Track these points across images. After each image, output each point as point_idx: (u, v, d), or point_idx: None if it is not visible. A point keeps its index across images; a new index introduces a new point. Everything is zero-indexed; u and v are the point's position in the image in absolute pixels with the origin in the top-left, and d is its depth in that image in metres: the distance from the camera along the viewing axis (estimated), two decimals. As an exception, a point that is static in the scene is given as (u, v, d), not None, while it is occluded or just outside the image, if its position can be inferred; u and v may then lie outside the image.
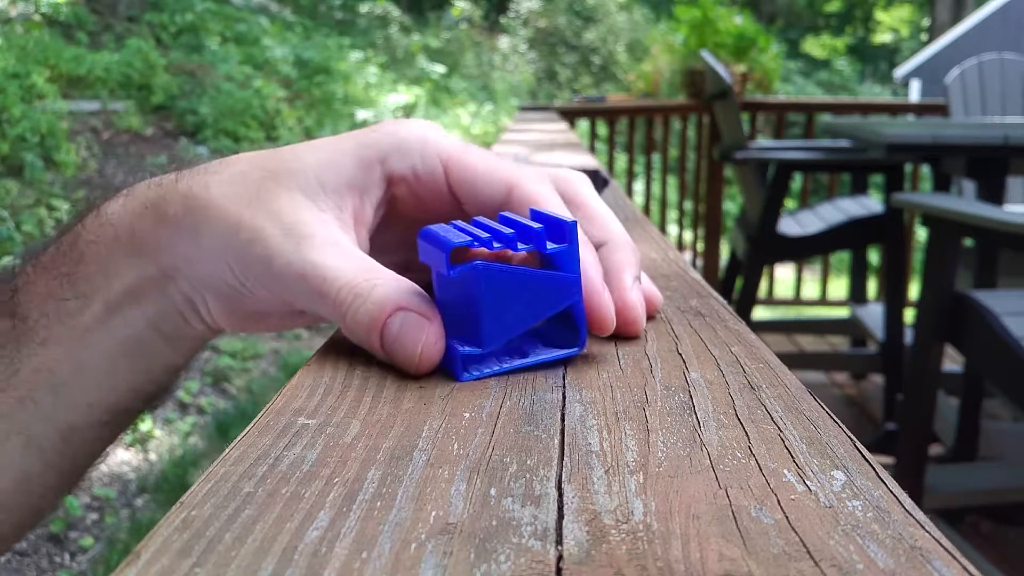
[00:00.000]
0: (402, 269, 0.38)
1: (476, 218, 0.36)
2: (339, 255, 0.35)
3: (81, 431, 0.42)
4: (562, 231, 0.34)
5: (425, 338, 0.32)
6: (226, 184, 0.37)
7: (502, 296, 0.33)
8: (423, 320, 0.33)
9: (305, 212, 0.36)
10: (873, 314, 2.83)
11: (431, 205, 0.39)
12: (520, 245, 0.33)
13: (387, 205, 0.40)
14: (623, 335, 0.37)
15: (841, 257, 5.10)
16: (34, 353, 0.40)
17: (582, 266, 0.34)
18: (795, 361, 3.03)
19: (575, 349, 0.34)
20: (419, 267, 0.40)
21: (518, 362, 0.34)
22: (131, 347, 0.41)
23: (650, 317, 0.41)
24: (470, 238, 0.32)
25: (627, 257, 0.39)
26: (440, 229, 0.34)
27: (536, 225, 0.33)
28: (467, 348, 0.33)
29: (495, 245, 0.33)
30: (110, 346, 0.41)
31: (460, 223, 0.35)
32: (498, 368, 0.33)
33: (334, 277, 0.35)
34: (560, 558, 0.20)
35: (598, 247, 0.39)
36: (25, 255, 0.42)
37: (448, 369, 0.33)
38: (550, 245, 0.33)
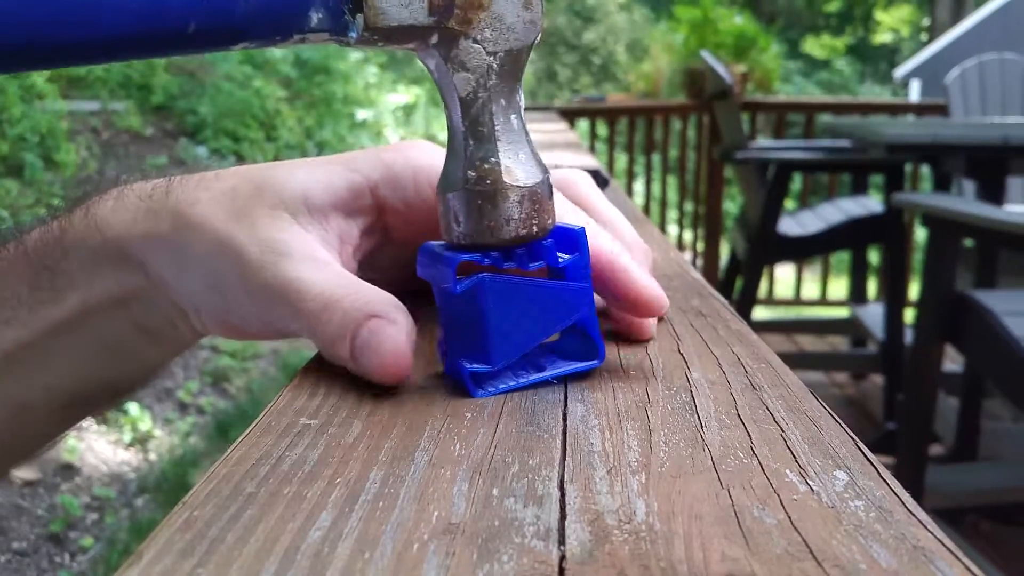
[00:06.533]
0: (402, 287, 0.37)
1: None
2: (315, 270, 0.35)
3: (35, 411, 0.42)
4: (571, 240, 0.33)
5: (393, 345, 0.31)
6: (214, 202, 0.37)
7: (510, 310, 0.31)
8: (390, 326, 0.32)
9: (287, 231, 0.36)
10: (873, 314, 2.82)
11: (427, 231, 0.39)
12: (531, 264, 0.32)
13: (381, 232, 0.40)
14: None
15: (841, 257, 5.10)
16: None
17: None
18: (795, 361, 3.03)
19: (594, 361, 0.33)
20: (420, 285, 0.40)
21: (535, 376, 0.32)
22: (111, 343, 0.41)
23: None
24: (478, 254, 0.31)
25: (639, 260, 0.38)
26: (443, 245, 0.33)
27: (546, 240, 0.32)
28: (475, 366, 0.31)
29: (506, 263, 0.32)
30: (87, 340, 0.40)
31: None
32: (514, 383, 0.32)
33: (307, 290, 0.34)
34: (563, 558, 0.20)
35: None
36: (7, 232, 0.41)
37: (462, 386, 0.32)
38: (562, 257, 0.32)
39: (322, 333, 0.33)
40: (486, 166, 0.32)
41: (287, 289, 0.34)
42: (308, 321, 0.34)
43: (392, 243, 0.41)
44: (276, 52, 7.41)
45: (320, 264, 0.35)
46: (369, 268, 0.40)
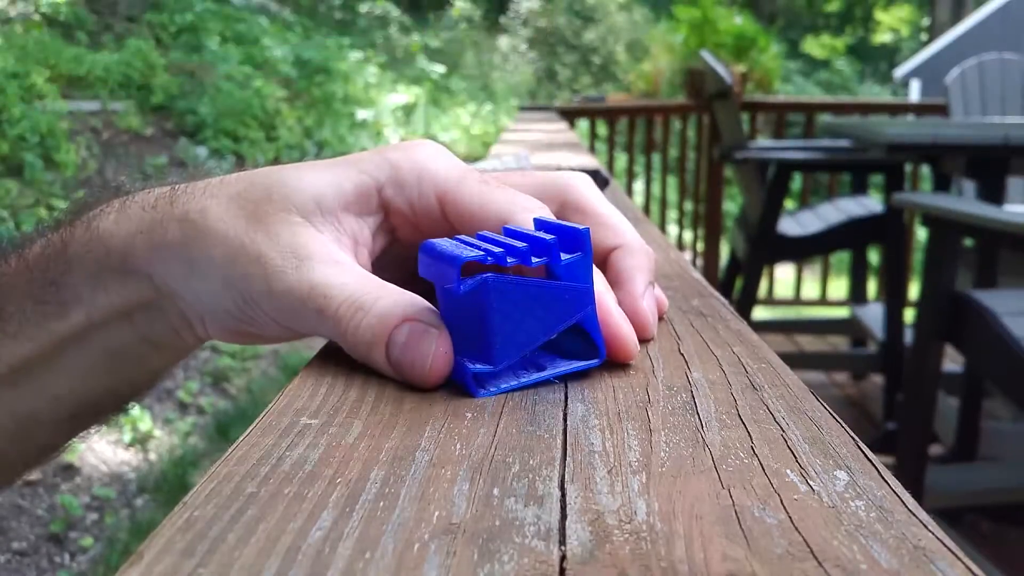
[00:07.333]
0: (406, 286, 0.37)
1: (481, 232, 0.34)
2: (340, 273, 0.35)
3: (42, 422, 0.42)
4: (575, 240, 0.33)
5: (435, 349, 0.31)
6: (223, 208, 0.36)
7: (513, 310, 0.31)
8: (430, 330, 0.32)
9: (303, 234, 0.36)
10: (873, 314, 2.83)
11: (430, 233, 0.38)
12: (534, 259, 0.32)
13: (388, 232, 0.40)
14: (615, 359, 0.36)
15: (841, 257, 5.10)
16: (1, 344, 0.39)
17: (596, 291, 0.33)
18: (795, 361, 3.03)
19: (595, 361, 0.33)
20: (422, 284, 0.40)
21: (536, 376, 0.32)
22: (116, 353, 0.41)
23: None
24: (482, 253, 0.31)
25: (640, 262, 0.38)
26: (445, 243, 0.33)
27: (548, 237, 0.32)
28: (477, 366, 0.31)
29: (509, 260, 0.31)
30: (93, 351, 0.40)
31: (464, 237, 0.34)
32: (516, 383, 0.32)
33: (335, 294, 0.34)
34: (563, 558, 0.20)
35: (610, 251, 0.39)
36: (6, 245, 0.41)
37: (463, 386, 0.32)
38: (564, 256, 0.32)
39: (353, 336, 0.33)
40: None
41: (313, 293, 0.34)
42: (338, 325, 0.34)
43: (397, 244, 0.41)
44: (276, 52, 7.42)
45: (343, 267, 0.35)
46: (377, 269, 0.40)
